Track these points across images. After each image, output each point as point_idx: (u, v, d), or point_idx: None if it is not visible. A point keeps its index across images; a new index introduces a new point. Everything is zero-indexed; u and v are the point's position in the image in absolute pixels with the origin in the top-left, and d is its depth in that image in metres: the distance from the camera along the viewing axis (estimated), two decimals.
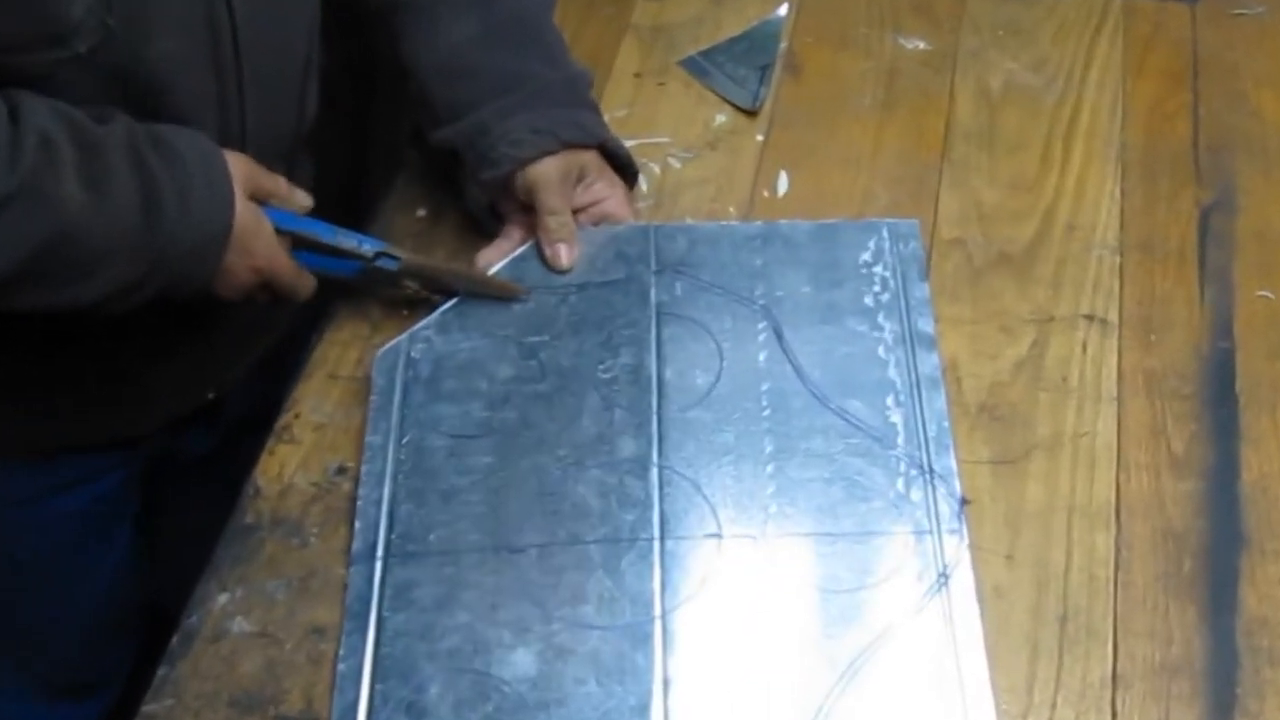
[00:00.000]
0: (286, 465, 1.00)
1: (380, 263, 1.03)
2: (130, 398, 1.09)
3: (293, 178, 1.05)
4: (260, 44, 0.98)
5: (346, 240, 1.02)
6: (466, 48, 1.07)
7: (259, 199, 0.97)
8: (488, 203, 1.10)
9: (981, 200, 1.17)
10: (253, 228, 0.96)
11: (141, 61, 0.91)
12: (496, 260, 1.08)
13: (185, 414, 1.14)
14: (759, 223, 1.10)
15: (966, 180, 1.19)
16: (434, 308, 1.06)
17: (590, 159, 1.09)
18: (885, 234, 1.07)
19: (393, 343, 1.03)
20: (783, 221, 1.10)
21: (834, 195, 1.17)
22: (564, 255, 1.07)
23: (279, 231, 0.99)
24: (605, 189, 1.10)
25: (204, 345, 1.10)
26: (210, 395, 1.14)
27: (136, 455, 1.17)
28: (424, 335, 1.04)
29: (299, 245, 1.01)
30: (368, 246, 1.03)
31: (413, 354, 1.02)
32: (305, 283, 1.02)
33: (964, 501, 0.96)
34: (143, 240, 0.90)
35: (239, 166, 0.96)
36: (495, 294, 1.05)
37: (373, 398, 1.00)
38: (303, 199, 1.01)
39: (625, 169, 1.12)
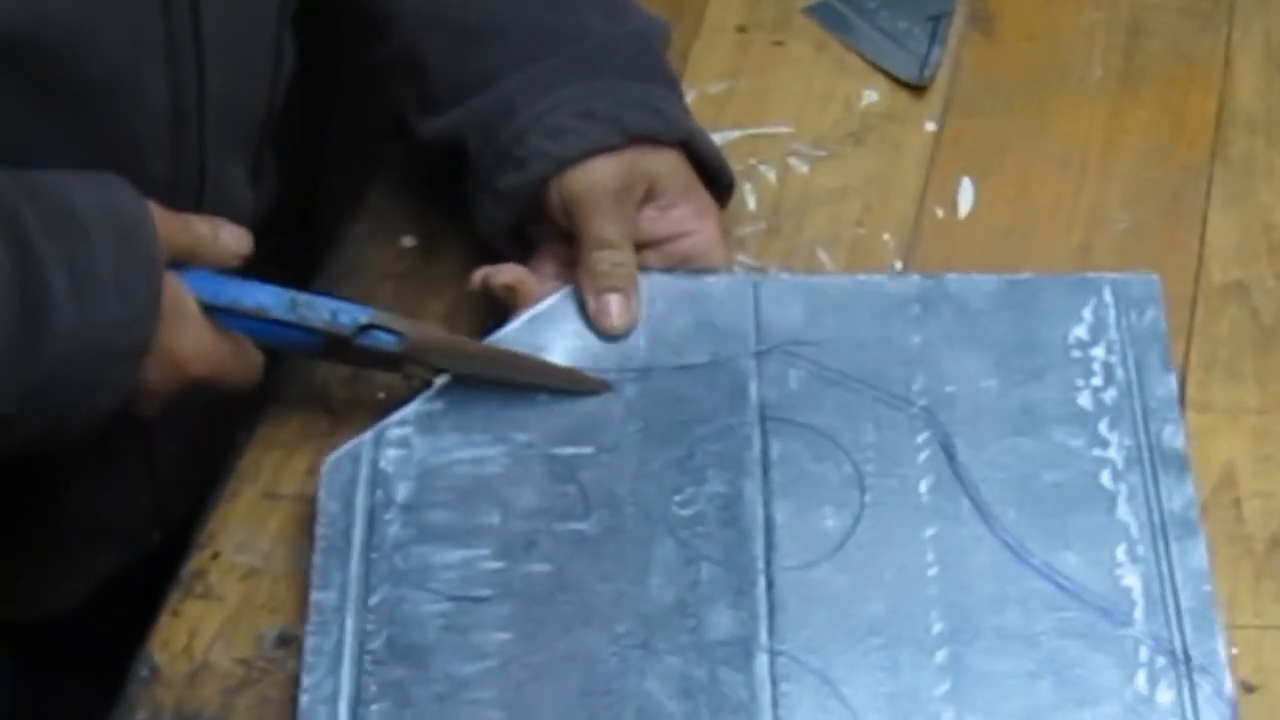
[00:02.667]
0: (199, 633, 0.89)
1: (368, 339, 0.93)
2: (43, 557, 1.03)
3: (256, 180, 0.99)
4: None
5: (314, 312, 0.92)
6: None
7: (174, 262, 0.89)
8: (511, 225, 0.99)
9: (1274, 223, 1.07)
10: (176, 316, 0.87)
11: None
12: (523, 295, 0.98)
13: (122, 569, 1.05)
14: (914, 277, 1.02)
15: (1250, 192, 1.09)
16: (417, 391, 0.98)
17: (668, 164, 0.98)
18: (1108, 297, 0.99)
19: (349, 445, 0.94)
20: (951, 276, 1.01)
21: (1045, 215, 1.08)
22: (616, 311, 0.96)
23: (208, 308, 0.90)
24: (690, 217, 0.99)
25: (145, 462, 1.02)
26: (157, 537, 1.05)
27: (24, 648, 1.11)
28: (398, 435, 0.94)
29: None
30: (346, 318, 0.93)
31: (382, 464, 0.93)
32: (254, 364, 0.93)
33: (1247, 689, 0.86)
34: (14, 362, 0.82)
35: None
36: (563, 388, 0.96)
37: (320, 530, 0.91)
38: (233, 242, 0.92)
39: (715, 182, 1.01)
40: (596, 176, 0.96)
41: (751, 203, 1.07)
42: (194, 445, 1.04)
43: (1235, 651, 0.87)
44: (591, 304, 0.97)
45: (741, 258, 1.04)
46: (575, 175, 0.96)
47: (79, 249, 0.83)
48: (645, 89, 0.98)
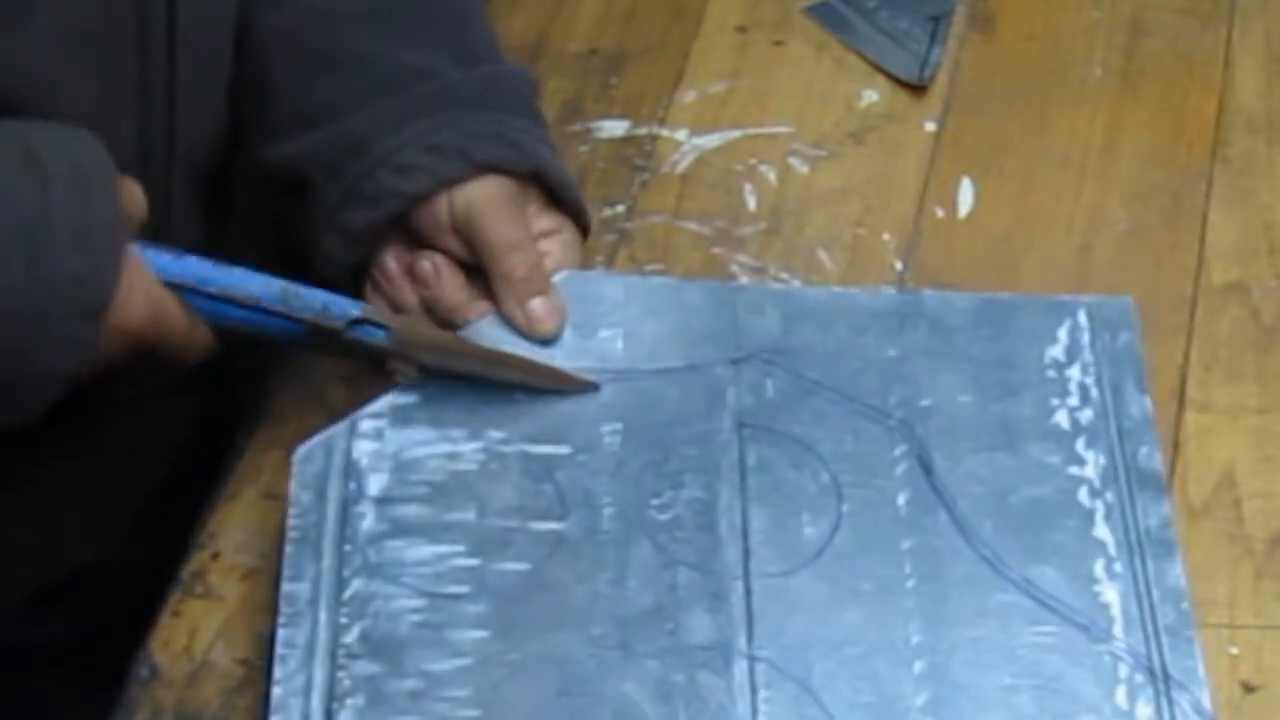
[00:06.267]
0: (199, 633, 0.90)
1: (357, 333, 0.93)
2: None
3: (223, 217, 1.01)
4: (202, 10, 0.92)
5: (305, 304, 0.92)
6: (331, 19, 0.99)
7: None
8: (354, 264, 0.99)
9: (1274, 223, 1.08)
10: (131, 272, 0.86)
11: (19, 48, 0.85)
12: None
13: (50, 585, 1.04)
14: (890, 292, 1.03)
15: (1251, 192, 1.10)
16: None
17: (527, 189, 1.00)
18: (1083, 319, 1.00)
19: (321, 436, 0.94)
20: (927, 292, 1.02)
21: (1045, 215, 1.08)
22: (545, 314, 0.96)
23: (173, 286, 0.89)
24: (548, 223, 1.00)
25: (77, 479, 1.01)
26: (90, 555, 1.05)
27: None
28: (371, 427, 0.95)
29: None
30: (337, 310, 0.92)
31: (354, 455, 0.93)
32: (199, 339, 0.92)
33: (1247, 689, 0.87)
34: None
35: None
36: (548, 387, 0.96)
37: (292, 521, 0.91)
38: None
39: (576, 218, 1.01)
40: (486, 190, 0.96)
41: (751, 203, 1.07)
42: (130, 465, 1.03)
43: (1235, 651, 0.87)
44: (518, 314, 0.97)
45: (741, 258, 1.04)
46: (467, 187, 0.96)
47: (37, 197, 0.83)
48: (497, 119, 0.97)
